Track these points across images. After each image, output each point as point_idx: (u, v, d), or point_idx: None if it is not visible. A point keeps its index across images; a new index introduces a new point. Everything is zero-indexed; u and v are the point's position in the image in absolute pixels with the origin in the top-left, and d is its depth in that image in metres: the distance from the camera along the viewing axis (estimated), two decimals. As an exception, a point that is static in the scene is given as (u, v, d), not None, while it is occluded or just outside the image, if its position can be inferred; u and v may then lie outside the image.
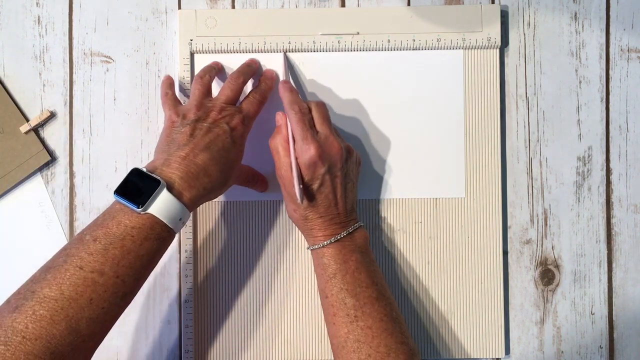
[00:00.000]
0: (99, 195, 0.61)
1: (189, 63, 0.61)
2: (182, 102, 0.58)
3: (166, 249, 0.49)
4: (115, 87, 0.62)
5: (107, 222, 0.47)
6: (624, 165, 0.63)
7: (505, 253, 0.62)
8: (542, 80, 0.63)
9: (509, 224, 0.62)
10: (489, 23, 0.61)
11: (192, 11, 0.61)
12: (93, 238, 0.46)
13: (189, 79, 0.60)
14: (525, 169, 0.62)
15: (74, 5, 0.62)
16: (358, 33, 0.61)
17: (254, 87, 0.59)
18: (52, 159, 0.61)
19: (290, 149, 0.53)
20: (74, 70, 0.62)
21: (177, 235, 0.60)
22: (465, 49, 0.61)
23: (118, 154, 0.62)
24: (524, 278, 0.62)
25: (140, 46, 0.62)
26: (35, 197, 0.61)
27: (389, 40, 0.61)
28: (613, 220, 0.63)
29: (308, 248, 0.55)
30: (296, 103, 0.55)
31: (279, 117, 0.56)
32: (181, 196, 0.48)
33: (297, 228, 0.60)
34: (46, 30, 0.62)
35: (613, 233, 0.63)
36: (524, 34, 0.63)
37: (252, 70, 0.59)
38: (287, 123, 0.55)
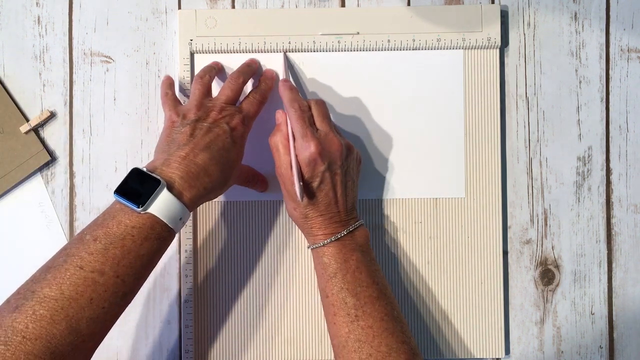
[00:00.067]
0: (99, 195, 0.61)
1: (189, 63, 0.61)
2: (182, 102, 0.58)
3: (166, 248, 0.49)
4: (115, 87, 0.62)
5: (107, 221, 0.47)
6: (624, 165, 0.63)
7: (505, 253, 0.62)
8: (542, 80, 0.63)
9: (509, 224, 0.62)
10: (489, 23, 0.61)
11: (192, 11, 0.61)
12: (93, 238, 0.46)
13: (189, 79, 0.60)
14: (525, 169, 0.62)
15: (74, 5, 0.62)
16: (358, 33, 0.61)
17: (254, 87, 0.59)
18: (52, 159, 0.61)
19: (290, 147, 0.53)
20: (74, 70, 0.62)
21: (177, 235, 0.60)
22: (465, 49, 0.61)
23: (118, 154, 0.62)
24: (524, 278, 0.62)
25: (140, 46, 0.62)
26: (35, 197, 0.61)
27: (389, 40, 0.61)
28: (613, 220, 0.63)
29: (308, 247, 0.55)
30: (296, 101, 0.55)
31: (279, 115, 0.56)
32: (181, 196, 0.48)
33: (297, 228, 0.60)
34: (46, 30, 0.62)
35: (613, 233, 0.63)
36: (524, 34, 0.63)
37: (252, 70, 0.59)
38: (287, 121, 0.54)
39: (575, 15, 0.63)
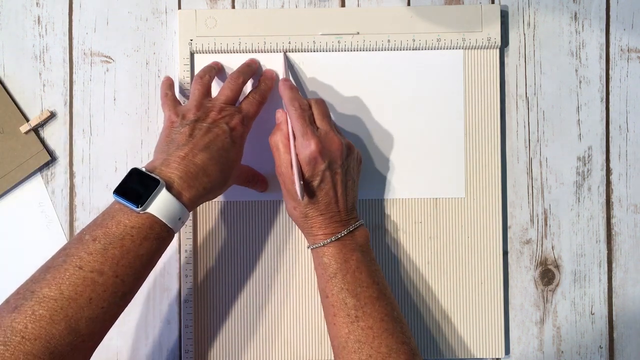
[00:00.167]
0: (99, 195, 0.61)
1: (189, 63, 0.61)
2: (182, 102, 0.58)
3: (165, 248, 0.49)
4: (115, 87, 0.62)
5: (106, 221, 0.47)
6: (624, 165, 0.63)
7: (505, 253, 0.62)
8: (542, 80, 0.63)
9: (509, 224, 0.62)
10: (489, 23, 0.61)
11: (192, 11, 0.61)
12: (92, 238, 0.46)
13: (188, 79, 0.60)
14: (525, 169, 0.62)
15: (74, 5, 0.62)
16: (358, 33, 0.61)
17: (254, 87, 0.59)
18: (52, 159, 0.61)
19: (290, 146, 0.53)
20: (74, 70, 0.62)
21: (177, 235, 0.60)
22: (465, 49, 0.61)
23: (118, 154, 0.62)
24: (524, 278, 0.62)
25: (140, 46, 0.62)
26: (35, 197, 0.61)
27: (389, 40, 0.61)
28: (613, 220, 0.63)
29: (308, 247, 0.55)
30: (296, 99, 0.54)
31: (279, 114, 0.56)
32: (180, 196, 0.48)
33: (297, 228, 0.60)
34: (46, 30, 0.62)
35: (613, 233, 0.63)
36: (524, 34, 0.63)
37: (252, 70, 0.59)
38: (287, 120, 0.54)
39: (575, 15, 0.63)
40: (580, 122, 0.63)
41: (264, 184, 0.60)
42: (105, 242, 0.45)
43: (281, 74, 0.60)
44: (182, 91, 0.61)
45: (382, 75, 0.61)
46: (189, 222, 0.60)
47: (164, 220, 0.47)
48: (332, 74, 0.61)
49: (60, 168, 0.61)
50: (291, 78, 0.61)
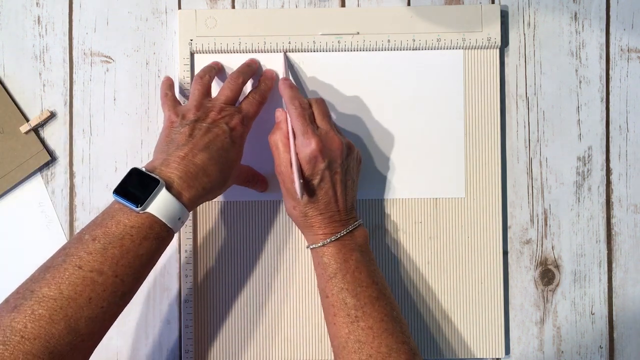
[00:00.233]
0: (99, 195, 0.61)
1: (189, 63, 0.61)
2: (182, 102, 0.58)
3: (165, 248, 0.49)
4: (115, 87, 0.62)
5: (106, 221, 0.47)
6: (624, 165, 0.63)
7: (505, 253, 0.62)
8: (542, 80, 0.63)
9: (509, 224, 0.62)
10: (489, 23, 0.61)
11: (192, 11, 0.61)
12: (92, 237, 0.46)
13: (188, 79, 0.60)
14: (525, 169, 0.62)
15: (74, 5, 0.62)
16: (358, 33, 0.61)
17: (254, 87, 0.59)
18: (52, 159, 0.61)
19: (290, 145, 0.53)
20: (74, 70, 0.62)
21: (177, 235, 0.60)
22: (465, 49, 0.61)
23: (118, 154, 0.62)
24: (524, 278, 0.62)
25: (140, 46, 0.62)
26: (35, 197, 0.61)
27: (389, 40, 0.61)
28: (613, 220, 0.63)
29: (308, 247, 0.55)
30: (296, 98, 0.54)
31: (279, 113, 0.56)
32: (180, 196, 0.48)
33: (296, 228, 0.60)
34: (46, 30, 0.62)
35: (613, 233, 0.63)
36: (524, 34, 0.63)
37: (252, 70, 0.59)
38: (287, 119, 0.54)
39: (575, 15, 0.63)
40: (580, 122, 0.63)
41: (263, 184, 0.60)
42: (104, 241, 0.45)
43: (281, 74, 0.60)
44: (182, 91, 0.61)
45: (382, 75, 0.61)
46: (189, 222, 0.60)
47: (163, 220, 0.47)
48: (332, 74, 0.61)
49: (60, 168, 0.61)
50: (291, 78, 0.61)
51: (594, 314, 0.62)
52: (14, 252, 0.61)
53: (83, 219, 0.61)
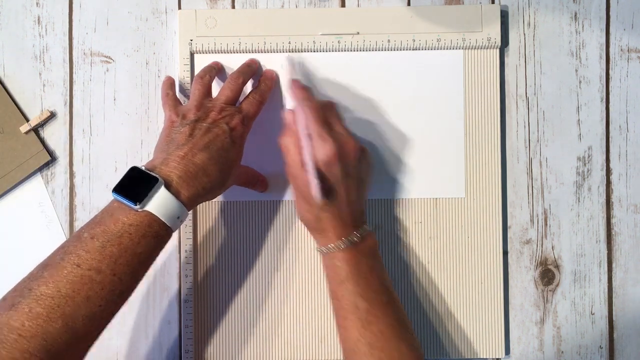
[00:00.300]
0: (99, 195, 0.61)
1: (189, 63, 0.61)
2: (182, 102, 0.58)
3: (163, 247, 0.49)
4: (115, 87, 0.62)
5: (105, 219, 0.47)
6: (624, 165, 0.63)
7: (505, 253, 0.62)
8: (542, 80, 0.63)
9: (509, 224, 0.62)
10: (489, 23, 0.61)
11: (192, 11, 0.61)
12: (91, 236, 0.46)
13: (189, 79, 0.60)
14: (525, 169, 0.62)
15: (74, 5, 0.62)
16: (358, 33, 0.61)
17: (254, 87, 0.59)
18: (52, 159, 0.61)
19: (304, 147, 0.52)
20: (74, 70, 0.62)
21: (177, 235, 0.60)
22: (465, 49, 0.61)
23: (118, 154, 0.62)
24: (524, 278, 0.62)
25: (140, 46, 0.62)
26: (35, 197, 0.61)
27: (389, 40, 0.61)
28: (613, 220, 0.63)
29: (318, 250, 0.54)
30: (311, 100, 0.54)
31: (288, 115, 0.55)
32: (179, 195, 0.48)
33: (296, 228, 0.60)
34: (46, 30, 0.62)
35: (613, 233, 0.63)
36: (524, 34, 0.63)
37: (252, 70, 0.59)
38: (299, 120, 0.53)
39: (575, 15, 0.63)
40: (580, 122, 0.63)
41: (264, 184, 0.60)
42: (103, 240, 0.45)
43: (289, 75, 0.59)
44: (183, 91, 0.61)
45: (382, 75, 0.61)
46: (188, 222, 0.60)
47: (162, 219, 0.47)
48: (332, 74, 0.61)
49: (60, 168, 0.61)
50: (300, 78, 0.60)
51: (594, 314, 0.62)
52: (14, 252, 0.61)
53: (83, 219, 0.61)
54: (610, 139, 0.63)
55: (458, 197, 0.61)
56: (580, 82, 0.63)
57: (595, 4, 0.63)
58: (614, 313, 0.62)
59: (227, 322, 0.60)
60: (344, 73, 0.61)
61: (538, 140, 0.63)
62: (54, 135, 0.62)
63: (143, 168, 0.48)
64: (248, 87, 0.60)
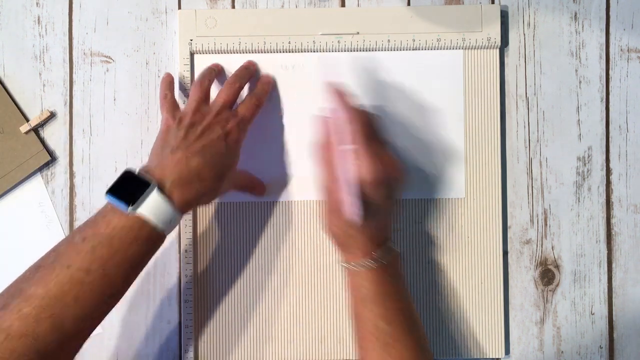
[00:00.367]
0: (99, 195, 0.61)
1: (189, 63, 0.61)
2: (183, 101, 0.58)
3: (155, 251, 0.49)
4: (115, 87, 0.62)
5: (97, 221, 0.47)
6: (624, 165, 0.63)
7: (505, 253, 0.62)
8: (542, 80, 0.63)
9: (509, 224, 0.62)
10: (489, 23, 0.61)
11: (192, 11, 0.61)
12: (82, 237, 0.46)
13: (189, 79, 0.60)
14: (525, 169, 0.62)
15: (74, 5, 0.62)
16: (358, 33, 0.61)
17: (250, 90, 0.59)
18: (52, 159, 0.61)
19: (345, 162, 0.49)
20: (74, 70, 0.62)
21: (176, 235, 0.60)
22: (465, 49, 0.61)
23: (118, 154, 0.62)
24: (524, 278, 0.62)
25: (140, 46, 0.62)
26: (35, 197, 0.61)
27: (389, 40, 0.61)
28: (613, 220, 0.63)
29: (343, 265, 0.53)
30: (357, 111, 0.50)
31: (323, 122, 0.52)
32: (172, 198, 0.48)
33: (296, 228, 0.60)
34: (46, 30, 0.62)
35: (613, 233, 0.63)
36: (524, 34, 0.63)
37: (249, 73, 0.59)
38: (342, 132, 0.50)
39: (575, 15, 0.63)
40: (580, 122, 0.63)
41: (261, 189, 0.60)
42: (94, 242, 0.45)
43: (324, 77, 0.55)
44: (183, 90, 0.61)
45: (382, 75, 0.61)
46: (189, 223, 0.60)
47: (154, 222, 0.47)
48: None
49: (60, 168, 0.61)
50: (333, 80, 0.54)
51: (594, 314, 0.62)
52: (14, 252, 0.61)
53: (83, 219, 0.61)
54: (610, 139, 0.63)
55: (458, 197, 0.61)
56: (580, 82, 0.63)
57: (595, 4, 0.63)
58: (614, 313, 0.62)
59: (227, 322, 0.60)
60: (344, 73, 0.61)
61: (538, 140, 0.63)
62: (54, 135, 0.62)
63: (137, 171, 0.48)
64: (245, 89, 0.60)
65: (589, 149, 0.63)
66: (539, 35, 0.63)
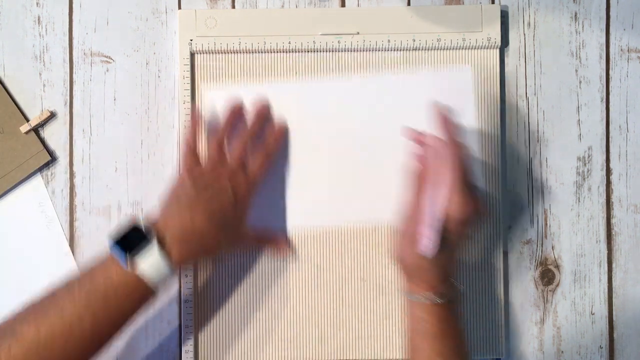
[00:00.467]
0: (99, 195, 0.61)
1: (189, 63, 0.61)
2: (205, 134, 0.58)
3: (146, 306, 0.51)
4: (115, 87, 0.62)
5: (95, 272, 0.49)
6: (624, 165, 0.63)
7: (505, 253, 0.62)
8: (542, 80, 0.63)
9: (509, 224, 0.62)
10: (489, 23, 0.61)
11: (192, 11, 0.61)
12: (79, 286, 0.48)
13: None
14: (525, 169, 0.62)
15: (74, 5, 0.62)
16: (358, 33, 0.61)
17: (262, 139, 0.59)
18: (52, 159, 0.61)
19: (436, 196, 0.49)
20: (74, 70, 0.62)
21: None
22: (465, 49, 0.61)
23: (118, 154, 0.62)
24: (524, 278, 0.62)
25: (140, 46, 0.62)
26: (35, 197, 0.61)
27: (389, 40, 0.61)
28: (613, 220, 0.63)
29: (407, 295, 0.53)
30: (460, 145, 0.50)
31: (425, 149, 0.54)
32: (170, 255, 0.50)
33: (295, 229, 0.60)
34: (46, 30, 0.62)
35: (613, 233, 0.63)
36: (524, 34, 0.63)
37: (263, 118, 0.59)
38: (444, 167, 0.49)
39: (575, 15, 0.63)
40: (580, 122, 0.63)
41: (282, 244, 0.60)
42: (89, 293, 0.48)
43: (438, 109, 0.53)
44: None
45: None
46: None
47: (149, 281, 0.49)
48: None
49: (60, 168, 0.61)
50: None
51: (594, 314, 0.62)
52: (14, 252, 0.61)
53: (83, 219, 0.61)
54: (610, 139, 0.63)
55: (458, 197, 0.61)
56: (580, 82, 0.63)
57: (595, 4, 0.63)
58: (614, 313, 0.62)
59: (227, 322, 0.60)
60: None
61: (538, 140, 0.63)
62: (54, 135, 0.61)
63: (142, 224, 0.50)
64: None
65: (589, 149, 0.63)
66: (539, 35, 0.63)
